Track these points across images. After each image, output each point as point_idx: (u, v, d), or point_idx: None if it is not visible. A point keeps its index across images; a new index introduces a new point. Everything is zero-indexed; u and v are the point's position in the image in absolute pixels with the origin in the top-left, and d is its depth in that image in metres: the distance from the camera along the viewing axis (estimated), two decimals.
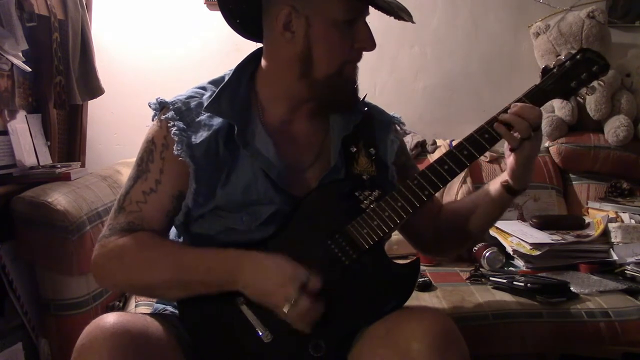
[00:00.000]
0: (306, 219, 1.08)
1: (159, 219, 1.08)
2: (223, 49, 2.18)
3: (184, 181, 1.07)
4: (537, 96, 1.10)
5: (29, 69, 1.60)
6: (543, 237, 1.74)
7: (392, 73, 2.28)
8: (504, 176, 1.14)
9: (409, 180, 1.07)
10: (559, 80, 1.10)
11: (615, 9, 2.30)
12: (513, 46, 2.34)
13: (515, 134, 1.07)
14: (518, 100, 1.10)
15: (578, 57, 1.11)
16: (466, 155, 1.07)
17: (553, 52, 2.21)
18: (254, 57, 1.16)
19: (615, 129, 2.10)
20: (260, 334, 1.01)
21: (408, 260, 1.10)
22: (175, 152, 1.05)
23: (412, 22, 1.09)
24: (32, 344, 1.45)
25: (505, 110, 1.08)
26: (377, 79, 2.26)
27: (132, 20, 2.19)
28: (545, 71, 1.13)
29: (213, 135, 1.07)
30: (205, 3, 2.20)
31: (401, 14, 1.06)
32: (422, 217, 1.22)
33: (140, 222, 1.06)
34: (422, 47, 2.30)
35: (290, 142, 1.13)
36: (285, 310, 0.96)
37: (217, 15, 2.20)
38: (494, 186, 1.16)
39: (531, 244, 1.70)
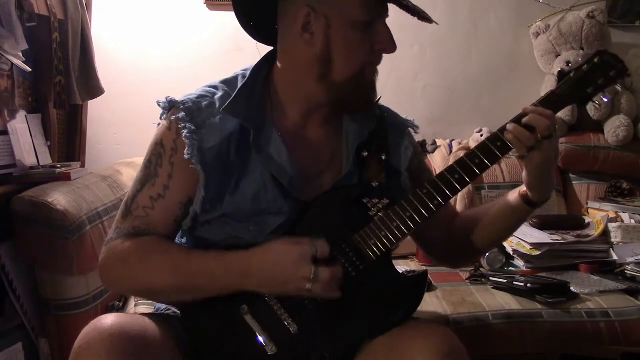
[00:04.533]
0: (313, 226, 1.05)
1: (166, 224, 1.06)
2: (223, 49, 2.18)
3: (193, 187, 1.03)
4: (553, 103, 1.05)
5: (29, 69, 1.60)
6: (543, 237, 1.74)
7: (392, 73, 2.28)
8: (523, 187, 1.08)
9: (418, 189, 1.03)
10: (575, 86, 1.06)
11: (615, 9, 2.30)
12: (513, 46, 2.35)
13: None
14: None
15: (595, 60, 1.06)
16: (478, 164, 1.02)
17: (553, 52, 2.22)
18: (267, 60, 1.12)
19: (615, 129, 2.11)
20: (265, 345, 0.99)
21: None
22: (186, 157, 1.01)
23: (435, 22, 1.07)
24: (32, 344, 1.45)
25: (519, 117, 1.03)
26: (377, 79, 2.26)
27: (132, 20, 2.19)
28: (562, 75, 1.08)
29: (225, 139, 1.04)
30: (205, 3, 2.20)
31: (423, 14, 1.04)
32: (436, 225, 1.18)
33: (146, 228, 1.04)
34: (422, 47, 2.31)
35: (303, 148, 1.10)
36: (309, 288, 0.95)
37: (217, 15, 2.22)
38: (513, 196, 1.11)
39: (531, 244, 1.70)
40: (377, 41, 1.04)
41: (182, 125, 1.03)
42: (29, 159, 1.61)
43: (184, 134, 1.02)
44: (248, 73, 1.10)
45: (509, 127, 1.02)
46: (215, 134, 1.04)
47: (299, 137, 1.10)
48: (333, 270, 0.97)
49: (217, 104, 1.06)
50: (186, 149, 1.02)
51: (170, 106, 1.07)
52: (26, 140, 1.63)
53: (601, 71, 1.06)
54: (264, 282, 0.98)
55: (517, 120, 1.03)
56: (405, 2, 1.01)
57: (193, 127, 1.03)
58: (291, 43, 1.05)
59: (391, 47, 1.05)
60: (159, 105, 1.09)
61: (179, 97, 1.08)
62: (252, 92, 1.08)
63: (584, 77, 1.06)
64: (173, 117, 1.05)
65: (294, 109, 1.09)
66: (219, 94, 1.08)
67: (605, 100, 1.08)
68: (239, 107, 1.05)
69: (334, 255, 1.01)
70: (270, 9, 1.07)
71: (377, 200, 1.05)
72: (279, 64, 1.09)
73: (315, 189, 1.08)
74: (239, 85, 1.08)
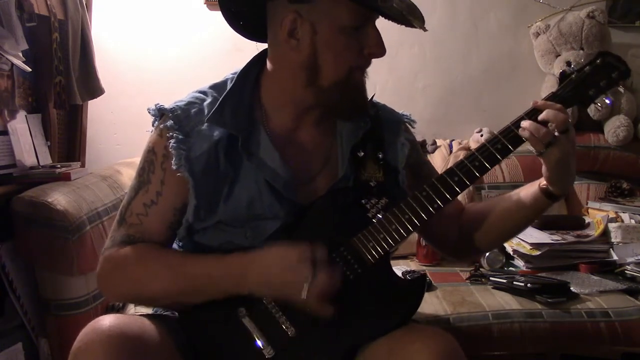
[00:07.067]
0: (310, 229, 1.05)
1: (161, 231, 1.06)
2: (223, 49, 2.18)
3: (186, 193, 1.04)
4: None
5: (29, 69, 1.60)
6: (543, 237, 1.74)
7: (392, 73, 2.28)
8: (543, 180, 1.06)
9: (417, 192, 1.03)
10: (577, 88, 1.04)
11: (615, 9, 2.30)
12: (513, 46, 2.34)
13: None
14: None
15: (597, 61, 1.04)
16: (477, 166, 1.01)
17: (553, 52, 2.22)
18: (259, 59, 1.11)
19: (615, 129, 2.11)
20: (262, 348, 0.99)
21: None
22: (174, 167, 1.02)
23: (424, 29, 1.04)
24: (32, 344, 1.45)
25: (530, 113, 1.01)
26: (377, 79, 2.25)
27: (132, 20, 2.19)
28: (563, 77, 1.06)
29: (213, 147, 1.04)
30: (205, 3, 2.20)
31: (411, 18, 1.01)
32: (444, 221, 1.17)
33: (141, 235, 1.04)
34: (421, 47, 2.30)
35: (296, 150, 1.09)
36: (305, 293, 0.94)
37: (217, 15, 2.20)
38: (532, 189, 1.08)
39: (531, 244, 1.70)
40: (366, 45, 1.02)
41: (170, 134, 1.03)
42: (29, 159, 1.61)
43: (170, 144, 1.02)
44: (236, 76, 1.09)
45: (524, 123, 1.00)
46: (203, 141, 1.04)
47: (291, 139, 1.09)
48: (331, 276, 0.96)
49: (206, 111, 1.06)
50: (173, 159, 1.02)
51: (160, 114, 1.07)
52: (26, 140, 1.63)
53: (603, 73, 1.04)
54: (261, 283, 0.98)
55: (530, 116, 1.00)
56: (389, 11, 0.97)
57: (181, 136, 1.03)
58: (278, 47, 1.05)
59: (380, 51, 1.03)
60: (149, 112, 1.09)
61: (168, 104, 1.08)
62: (240, 96, 1.07)
63: (586, 78, 1.04)
64: (162, 125, 1.05)
65: (283, 112, 1.09)
66: (208, 100, 1.08)
67: (608, 101, 1.06)
68: (224, 116, 1.04)
69: (332, 257, 1.01)
70: (258, 10, 1.06)
71: (376, 200, 1.05)
72: (268, 66, 1.08)
73: (311, 192, 1.08)
74: (227, 89, 1.07)
